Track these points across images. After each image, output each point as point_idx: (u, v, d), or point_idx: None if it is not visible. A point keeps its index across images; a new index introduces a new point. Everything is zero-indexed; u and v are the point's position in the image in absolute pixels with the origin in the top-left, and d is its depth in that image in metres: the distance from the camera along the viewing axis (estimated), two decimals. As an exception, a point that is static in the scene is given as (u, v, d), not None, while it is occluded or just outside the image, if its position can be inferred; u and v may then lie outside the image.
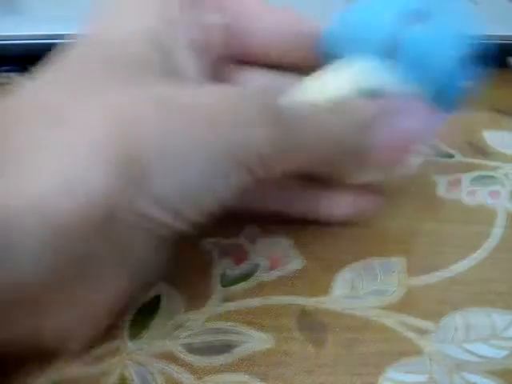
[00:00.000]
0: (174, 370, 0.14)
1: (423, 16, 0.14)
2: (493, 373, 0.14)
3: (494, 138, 0.25)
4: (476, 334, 0.16)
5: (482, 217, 0.20)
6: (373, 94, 0.14)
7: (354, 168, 0.15)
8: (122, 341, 0.15)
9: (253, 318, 0.16)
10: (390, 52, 0.14)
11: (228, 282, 0.17)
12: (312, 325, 0.16)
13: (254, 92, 0.14)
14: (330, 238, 0.19)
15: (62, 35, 0.28)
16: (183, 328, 0.16)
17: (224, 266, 0.18)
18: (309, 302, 0.16)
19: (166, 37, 0.14)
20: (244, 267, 0.18)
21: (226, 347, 0.15)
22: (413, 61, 0.14)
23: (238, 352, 0.15)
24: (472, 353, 0.15)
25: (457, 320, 0.16)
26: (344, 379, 0.14)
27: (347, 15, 0.16)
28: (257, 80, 0.18)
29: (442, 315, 0.16)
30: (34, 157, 0.11)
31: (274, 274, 0.17)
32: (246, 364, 0.15)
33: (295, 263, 0.18)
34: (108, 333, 0.15)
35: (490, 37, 0.31)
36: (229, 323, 0.16)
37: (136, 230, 0.12)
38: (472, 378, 0.14)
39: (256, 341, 0.15)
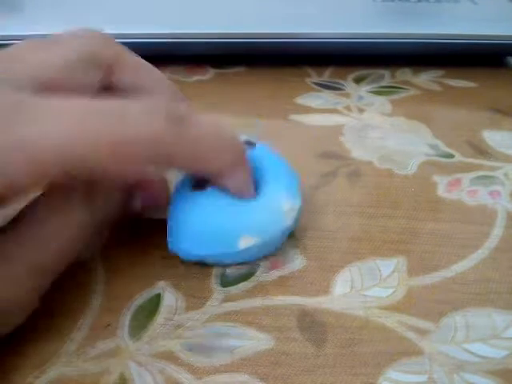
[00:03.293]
0: (174, 370, 0.14)
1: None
2: (493, 373, 0.14)
3: (494, 137, 0.25)
4: (476, 334, 0.16)
5: (482, 217, 0.20)
6: None
7: None
8: (122, 340, 0.15)
9: (253, 318, 0.16)
10: None
11: (228, 282, 0.17)
12: (312, 325, 0.16)
13: None
14: (329, 238, 0.19)
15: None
16: (183, 328, 0.16)
17: (224, 266, 0.18)
18: (309, 302, 0.17)
19: None
20: (244, 267, 0.18)
21: (226, 347, 0.15)
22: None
23: (238, 352, 0.15)
24: (472, 353, 0.15)
25: (457, 320, 0.16)
26: (344, 379, 0.14)
27: None
28: None
29: (442, 315, 0.16)
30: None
31: (274, 274, 0.18)
32: (246, 364, 0.15)
33: (295, 263, 0.18)
34: (108, 332, 0.15)
35: (490, 37, 0.31)
36: (229, 323, 0.16)
37: None
38: (472, 378, 0.14)
39: (256, 341, 0.15)
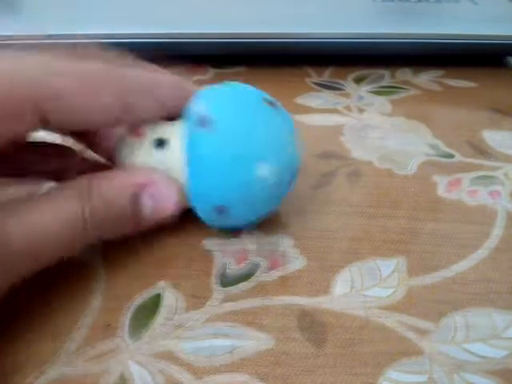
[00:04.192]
0: (174, 370, 0.14)
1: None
2: (493, 373, 0.14)
3: (494, 137, 0.25)
4: (476, 334, 0.16)
5: (482, 217, 0.20)
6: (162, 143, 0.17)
7: None
8: (122, 340, 0.15)
9: (253, 318, 0.16)
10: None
11: (228, 282, 0.17)
12: (312, 325, 0.16)
13: None
14: (329, 238, 0.19)
15: (62, 35, 0.28)
16: (183, 328, 0.16)
17: (224, 266, 0.18)
18: (309, 302, 0.17)
19: None
20: (244, 267, 0.18)
21: (226, 347, 0.15)
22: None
23: (238, 352, 0.15)
24: (472, 353, 0.15)
25: (457, 320, 0.16)
26: (344, 379, 0.14)
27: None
28: None
29: (441, 315, 0.16)
30: None
31: (274, 274, 0.18)
32: (246, 364, 0.15)
33: (295, 263, 0.18)
34: (108, 332, 0.15)
35: (490, 37, 0.31)
36: (229, 323, 0.16)
37: None
38: (472, 378, 0.14)
39: (256, 341, 0.15)
